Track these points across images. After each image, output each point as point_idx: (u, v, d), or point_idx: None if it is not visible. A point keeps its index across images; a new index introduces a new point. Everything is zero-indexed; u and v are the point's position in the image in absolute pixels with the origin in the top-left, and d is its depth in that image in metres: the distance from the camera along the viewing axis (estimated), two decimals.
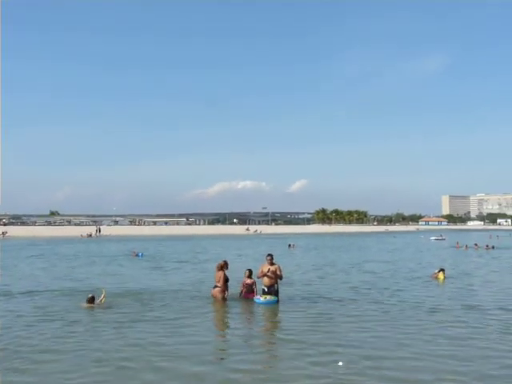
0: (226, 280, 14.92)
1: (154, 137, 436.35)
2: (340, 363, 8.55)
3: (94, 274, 23.05)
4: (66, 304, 14.17)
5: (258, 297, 14.43)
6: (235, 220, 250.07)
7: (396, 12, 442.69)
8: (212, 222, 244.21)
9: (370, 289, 17.81)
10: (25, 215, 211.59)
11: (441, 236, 76.47)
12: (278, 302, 14.32)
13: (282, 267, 14.84)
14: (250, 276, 15.30)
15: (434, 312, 13.33)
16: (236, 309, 13.83)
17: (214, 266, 15.80)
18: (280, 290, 14.75)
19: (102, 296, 14.07)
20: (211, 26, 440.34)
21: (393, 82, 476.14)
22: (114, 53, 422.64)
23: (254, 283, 15.15)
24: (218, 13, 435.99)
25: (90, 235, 77.69)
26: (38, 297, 15.62)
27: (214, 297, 14.85)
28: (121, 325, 11.46)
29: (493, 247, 46.29)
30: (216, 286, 14.88)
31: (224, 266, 15.00)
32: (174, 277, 21.99)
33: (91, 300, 13.81)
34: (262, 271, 14.55)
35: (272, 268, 14.46)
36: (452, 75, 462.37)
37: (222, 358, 9.09)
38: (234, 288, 15.50)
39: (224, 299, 14.60)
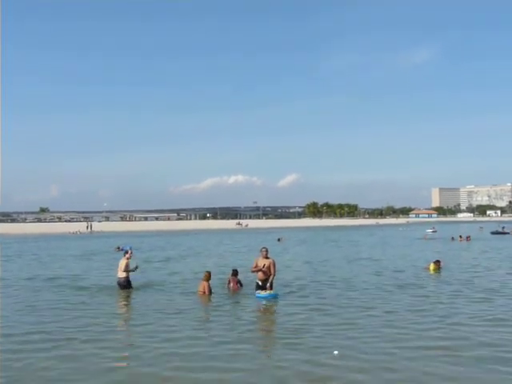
0: (210, 290, 14.94)
1: (143, 129, 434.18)
2: (335, 352, 8.74)
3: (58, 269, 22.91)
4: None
5: (259, 291, 14.24)
6: (208, 214, 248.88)
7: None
8: (203, 217, 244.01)
9: (361, 281, 17.90)
10: (14, 212, 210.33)
11: (433, 228, 77.12)
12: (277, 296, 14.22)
13: (276, 262, 14.70)
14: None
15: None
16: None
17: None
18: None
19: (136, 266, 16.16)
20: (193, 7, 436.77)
21: (383, 72, 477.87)
22: (96, 40, 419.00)
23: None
24: None
25: (78, 232, 77.28)
26: None
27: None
28: None
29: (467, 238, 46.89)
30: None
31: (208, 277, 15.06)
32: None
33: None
34: (257, 265, 14.37)
35: (266, 263, 14.31)
36: (442, 64, 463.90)
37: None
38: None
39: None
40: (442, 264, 21.44)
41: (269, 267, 14.25)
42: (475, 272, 20.83)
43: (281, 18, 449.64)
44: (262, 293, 14.11)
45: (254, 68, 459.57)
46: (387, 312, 12.31)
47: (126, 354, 9.01)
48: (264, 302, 13.72)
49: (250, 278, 16.01)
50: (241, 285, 15.81)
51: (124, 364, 8.47)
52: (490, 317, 11.66)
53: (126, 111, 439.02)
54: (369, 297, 14.57)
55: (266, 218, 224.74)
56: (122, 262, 15.73)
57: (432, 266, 21.09)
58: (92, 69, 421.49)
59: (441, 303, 13.41)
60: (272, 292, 14.21)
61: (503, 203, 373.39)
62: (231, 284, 15.77)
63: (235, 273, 16.09)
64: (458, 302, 13.71)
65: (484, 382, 7.50)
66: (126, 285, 15.64)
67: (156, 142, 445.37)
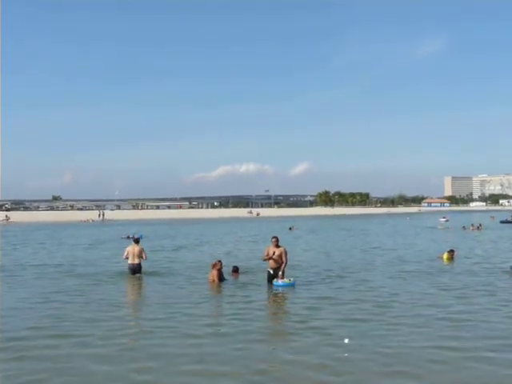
0: (221, 278, 15.03)
1: (155, 120, 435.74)
2: (346, 340, 8.67)
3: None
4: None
5: (278, 280, 14.13)
6: (216, 203, 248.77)
7: None
8: (214, 206, 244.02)
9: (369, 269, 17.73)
10: (27, 200, 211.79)
11: (444, 217, 76.75)
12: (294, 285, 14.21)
13: (287, 251, 14.63)
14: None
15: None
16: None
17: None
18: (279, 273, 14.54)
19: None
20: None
21: (393, 62, 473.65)
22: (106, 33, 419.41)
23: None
24: None
25: (91, 220, 77.76)
26: None
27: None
28: None
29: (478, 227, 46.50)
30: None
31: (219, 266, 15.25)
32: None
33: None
34: (268, 254, 14.38)
35: (277, 251, 14.27)
36: (451, 54, 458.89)
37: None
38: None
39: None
40: (455, 253, 21.22)
41: (280, 255, 14.23)
42: (488, 261, 20.59)
43: (285, 10, 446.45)
44: (280, 281, 14.04)
45: (265, 60, 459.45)
46: (401, 302, 12.17)
47: (131, 351, 8.57)
48: (280, 290, 13.70)
49: (263, 266, 15.99)
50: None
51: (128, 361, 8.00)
52: (507, 308, 11.42)
53: (133, 106, 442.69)
54: (382, 286, 14.44)
55: (278, 207, 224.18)
56: (137, 249, 16.23)
57: (446, 256, 20.89)
58: (95, 64, 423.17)
59: (455, 296, 13.16)
60: (292, 280, 14.25)
61: None
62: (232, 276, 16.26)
63: (236, 269, 16.71)
64: (472, 292, 13.52)
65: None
66: (138, 270, 16.22)
67: (168, 134, 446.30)
